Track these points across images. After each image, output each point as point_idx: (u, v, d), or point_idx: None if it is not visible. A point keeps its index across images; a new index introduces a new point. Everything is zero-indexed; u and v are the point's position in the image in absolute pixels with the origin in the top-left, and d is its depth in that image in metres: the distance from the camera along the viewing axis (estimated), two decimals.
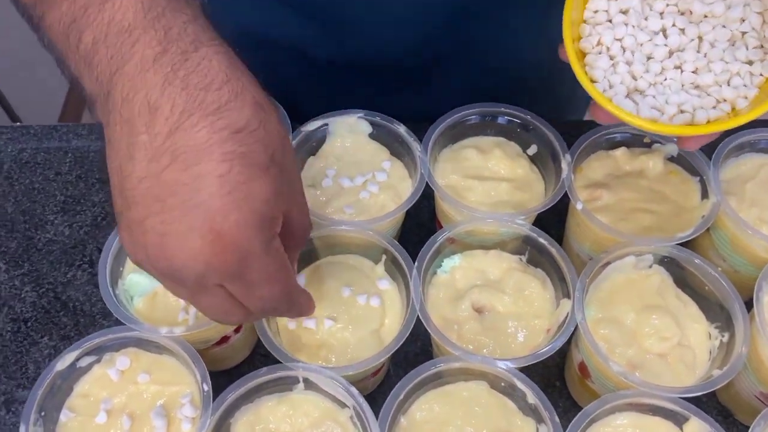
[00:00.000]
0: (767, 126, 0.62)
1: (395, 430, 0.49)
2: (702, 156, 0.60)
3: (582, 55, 0.49)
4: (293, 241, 0.42)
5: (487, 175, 0.63)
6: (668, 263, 0.57)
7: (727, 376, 0.49)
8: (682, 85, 0.47)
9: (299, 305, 0.45)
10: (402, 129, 0.62)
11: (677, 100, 0.47)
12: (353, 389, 0.48)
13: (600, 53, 0.48)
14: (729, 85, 0.47)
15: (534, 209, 0.58)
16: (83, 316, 0.66)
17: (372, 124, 0.63)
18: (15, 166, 0.76)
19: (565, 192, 0.58)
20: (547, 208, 0.58)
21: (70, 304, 0.67)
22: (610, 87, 0.47)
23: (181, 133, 0.34)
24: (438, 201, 0.63)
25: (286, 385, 0.50)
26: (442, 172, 0.62)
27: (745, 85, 0.46)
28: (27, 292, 0.67)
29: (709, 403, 0.60)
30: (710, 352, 0.54)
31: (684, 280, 0.56)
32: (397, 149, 0.63)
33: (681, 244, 0.56)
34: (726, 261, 0.61)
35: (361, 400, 0.48)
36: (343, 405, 0.49)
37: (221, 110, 0.35)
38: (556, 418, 0.47)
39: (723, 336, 0.53)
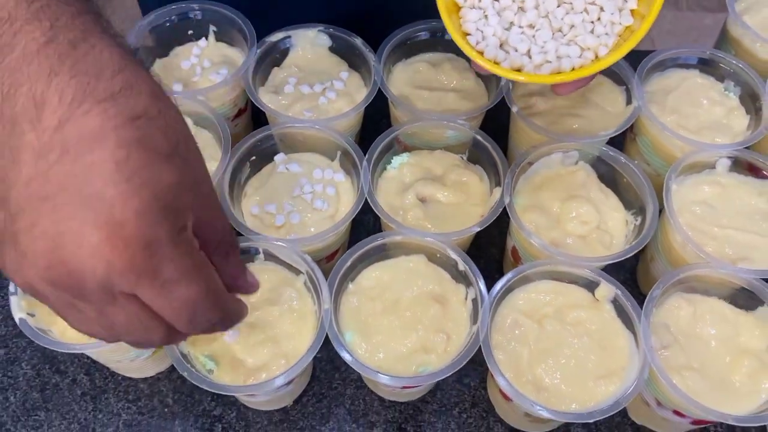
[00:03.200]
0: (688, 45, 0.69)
1: (343, 294, 0.56)
2: (629, 68, 0.67)
3: (457, 8, 0.51)
4: (213, 247, 0.36)
5: (436, 86, 0.69)
6: (593, 160, 0.63)
7: (635, 248, 0.56)
8: (552, 35, 0.50)
9: (230, 311, 0.38)
10: (358, 41, 0.68)
11: (546, 49, 0.49)
12: (307, 256, 0.55)
13: (472, 7, 0.51)
14: (593, 33, 0.50)
15: (473, 111, 0.64)
16: None
17: (331, 36, 0.69)
18: None
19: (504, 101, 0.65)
20: (486, 109, 0.65)
21: None
22: (483, 39, 0.50)
23: (72, 124, 0.30)
24: (392, 109, 0.69)
25: (248, 255, 0.57)
26: (395, 83, 0.69)
27: (606, 34, 0.50)
28: None
29: (633, 293, 0.67)
30: (626, 236, 0.61)
31: (606, 176, 0.63)
32: (355, 62, 0.69)
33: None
34: (650, 165, 0.68)
35: (314, 265, 0.54)
36: (298, 272, 0.56)
37: (115, 97, 0.31)
38: (482, 281, 0.54)
39: (636, 220, 0.60)
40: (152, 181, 0.31)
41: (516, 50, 0.50)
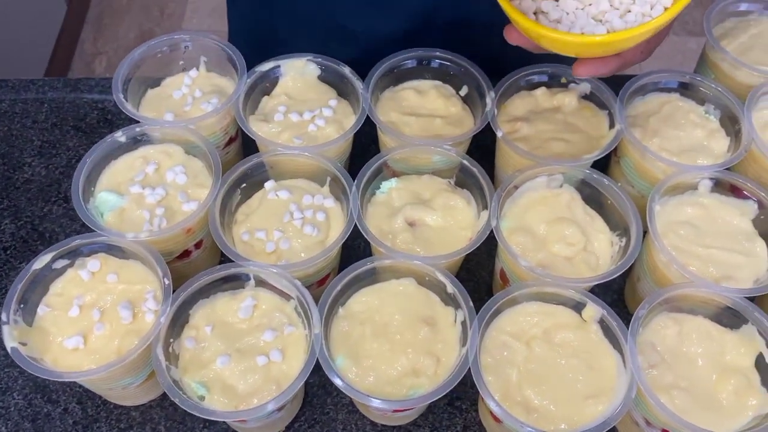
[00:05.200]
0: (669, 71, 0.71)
1: (333, 318, 0.56)
2: (611, 93, 0.69)
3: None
4: None
5: (423, 113, 0.70)
6: (577, 183, 0.64)
7: (621, 269, 0.57)
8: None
9: None
10: (347, 70, 0.69)
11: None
12: (297, 282, 0.55)
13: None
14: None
15: (460, 136, 0.66)
16: None
17: (319, 66, 0.70)
18: None
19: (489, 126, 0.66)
20: (471, 136, 0.66)
21: (46, 234, 0.73)
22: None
23: None
24: (380, 135, 0.70)
25: (239, 282, 0.57)
26: (383, 110, 0.70)
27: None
28: (6, 225, 0.73)
29: (621, 314, 0.68)
30: (612, 257, 0.62)
31: (591, 198, 0.64)
32: (343, 90, 0.71)
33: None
34: (634, 187, 0.70)
35: (304, 291, 0.55)
36: (288, 298, 0.57)
37: None
38: (471, 303, 0.55)
39: (621, 241, 0.61)
40: None
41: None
